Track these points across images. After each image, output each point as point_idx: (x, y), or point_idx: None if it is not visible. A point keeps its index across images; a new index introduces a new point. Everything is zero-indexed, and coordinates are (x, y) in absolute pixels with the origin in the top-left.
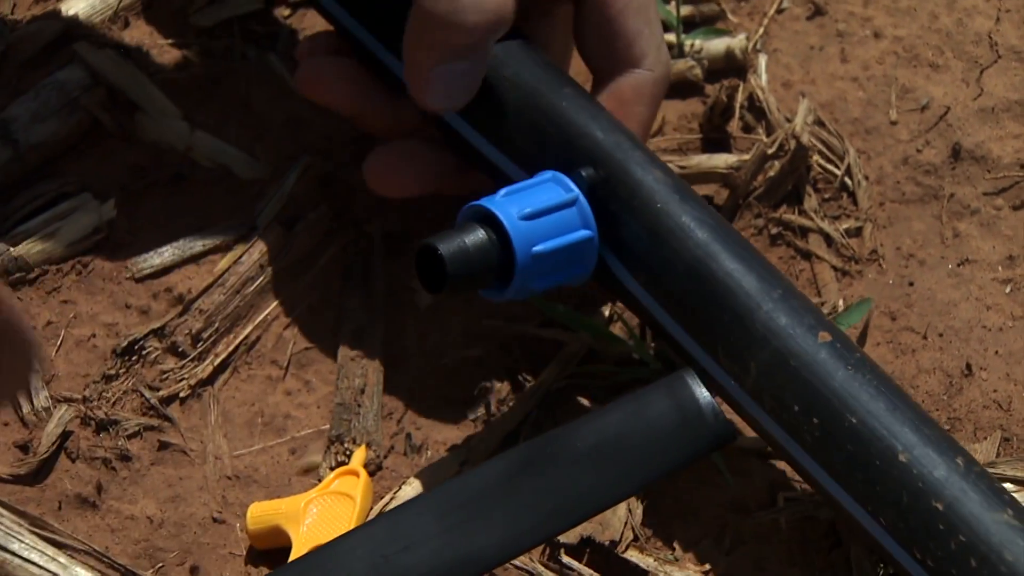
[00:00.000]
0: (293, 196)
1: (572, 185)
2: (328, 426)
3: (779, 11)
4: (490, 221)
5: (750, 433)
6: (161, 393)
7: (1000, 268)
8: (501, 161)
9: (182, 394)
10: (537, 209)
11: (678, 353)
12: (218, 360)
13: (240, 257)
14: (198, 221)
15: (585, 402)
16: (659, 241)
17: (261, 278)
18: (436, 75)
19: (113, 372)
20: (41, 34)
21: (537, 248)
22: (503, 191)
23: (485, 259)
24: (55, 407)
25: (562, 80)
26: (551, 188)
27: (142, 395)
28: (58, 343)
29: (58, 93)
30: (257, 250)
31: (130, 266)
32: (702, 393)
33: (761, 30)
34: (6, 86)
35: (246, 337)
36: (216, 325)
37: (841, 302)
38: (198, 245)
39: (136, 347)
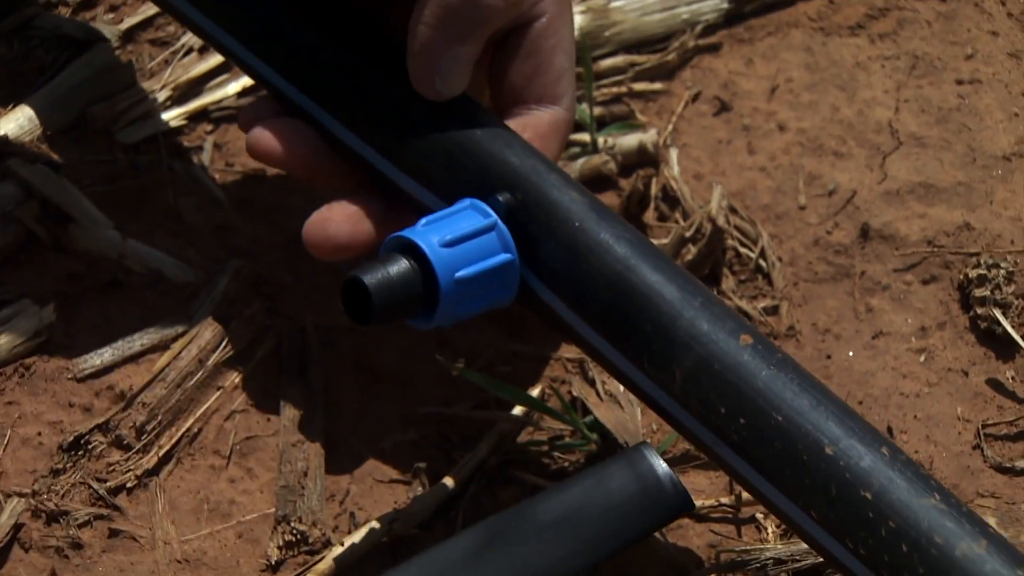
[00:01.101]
0: (226, 296)
1: (490, 211)
2: (272, 509)
3: (685, 108)
4: (412, 251)
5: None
6: (109, 484)
7: (913, 339)
8: (421, 194)
9: (129, 484)
10: (457, 236)
11: (605, 367)
12: (162, 451)
13: (179, 353)
14: (135, 322)
15: (523, 477)
16: (579, 258)
17: (200, 372)
18: (447, 60)
19: (60, 466)
20: None
21: (460, 274)
22: (423, 221)
23: (409, 288)
24: (5, 501)
25: (474, 108)
26: (470, 215)
27: (90, 487)
28: (4, 442)
29: None
30: (195, 346)
31: (71, 367)
32: (660, 465)
33: (670, 127)
34: None
35: (188, 429)
36: (159, 418)
37: None
38: (136, 344)
39: (82, 442)
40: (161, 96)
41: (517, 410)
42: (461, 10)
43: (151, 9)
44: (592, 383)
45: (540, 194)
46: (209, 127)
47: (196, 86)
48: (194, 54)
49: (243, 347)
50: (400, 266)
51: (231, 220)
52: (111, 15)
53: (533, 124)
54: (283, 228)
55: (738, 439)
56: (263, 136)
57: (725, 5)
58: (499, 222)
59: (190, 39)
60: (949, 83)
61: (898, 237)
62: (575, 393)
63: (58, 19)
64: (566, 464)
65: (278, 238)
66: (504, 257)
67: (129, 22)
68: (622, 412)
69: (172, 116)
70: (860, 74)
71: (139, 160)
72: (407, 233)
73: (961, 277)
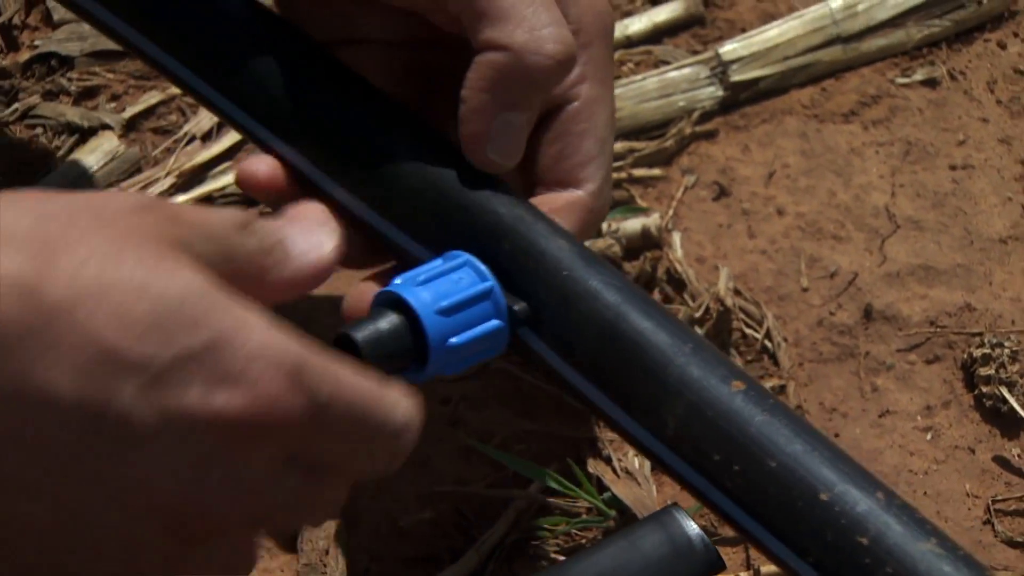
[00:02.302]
0: None
1: (486, 272)
2: None
3: (685, 193)
4: (404, 308)
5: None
6: None
7: (919, 418)
8: (406, 242)
9: None
10: (454, 303)
11: (597, 415)
12: None
13: None
14: None
15: (543, 551)
16: (568, 307)
17: None
18: (499, 125)
19: None
20: None
21: (452, 341)
22: (416, 275)
23: (400, 345)
24: None
25: (452, 153)
26: (467, 276)
27: None
28: None
29: None
30: None
31: None
32: (691, 526)
33: (671, 211)
34: None
35: None
36: None
37: None
38: None
39: None
40: (166, 183)
41: (532, 488)
42: (512, 72)
43: (153, 98)
44: (608, 460)
45: (528, 243)
46: None
47: (200, 173)
48: (197, 142)
49: None
50: (391, 322)
51: None
52: (113, 104)
53: (548, 202)
54: (286, 311)
55: (732, 486)
56: (248, 165)
57: (720, 93)
58: (496, 287)
59: (192, 127)
60: (943, 168)
61: (900, 318)
62: (591, 470)
63: (61, 108)
64: (583, 541)
65: (287, 312)
66: (496, 324)
67: (131, 111)
68: (639, 488)
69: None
70: (855, 160)
71: None
72: (402, 292)
73: (965, 356)
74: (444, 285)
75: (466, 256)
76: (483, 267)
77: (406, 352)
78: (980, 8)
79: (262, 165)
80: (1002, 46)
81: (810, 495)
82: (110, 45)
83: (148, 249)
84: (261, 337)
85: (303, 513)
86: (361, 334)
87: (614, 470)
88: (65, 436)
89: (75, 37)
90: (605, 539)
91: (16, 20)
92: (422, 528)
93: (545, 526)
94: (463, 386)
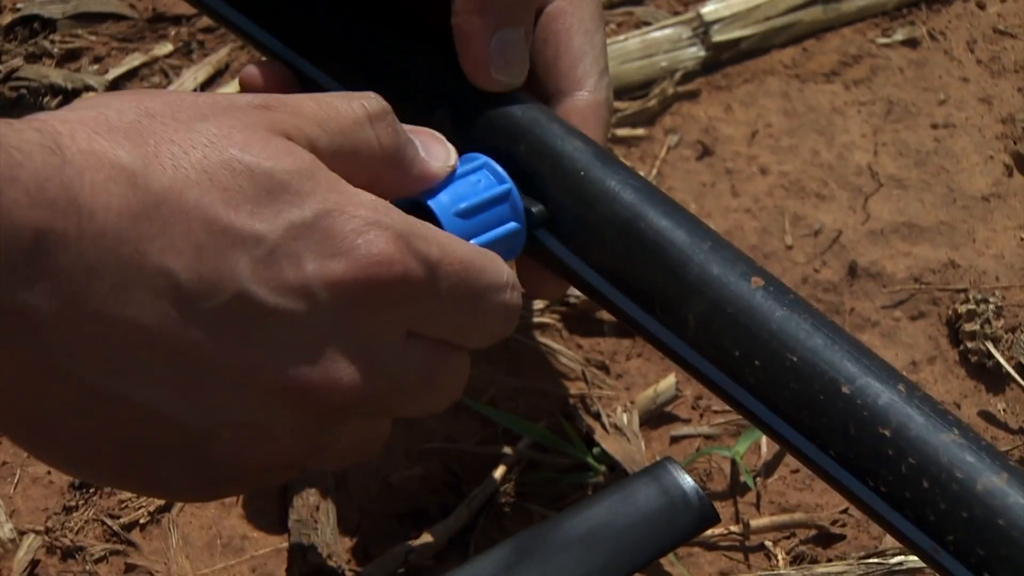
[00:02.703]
0: None
1: (503, 173)
2: (284, 544)
3: (668, 152)
4: (423, 211)
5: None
6: (122, 520)
7: (905, 373)
8: None
9: (142, 521)
10: (472, 205)
11: (616, 315)
12: None
13: None
14: None
15: (533, 507)
16: (586, 207)
17: None
18: (496, 44)
19: (73, 504)
20: None
21: (459, 206)
22: None
23: None
24: (21, 538)
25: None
26: (485, 179)
27: (104, 523)
28: (15, 481)
29: None
30: None
31: None
32: (686, 479)
33: (655, 171)
34: None
35: None
36: None
37: None
38: None
39: None
40: None
41: (521, 444)
42: None
43: (136, 60)
44: (597, 416)
45: (543, 144)
46: None
47: None
48: None
49: None
50: None
51: None
52: (96, 66)
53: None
54: None
55: (754, 382)
56: (250, 71)
57: (702, 53)
58: (513, 189)
59: (176, 88)
60: (924, 127)
61: (885, 275)
62: (579, 426)
63: (44, 69)
64: (573, 496)
65: None
66: (514, 226)
67: (114, 72)
68: (628, 444)
69: None
70: (837, 119)
71: None
72: (421, 194)
73: (949, 313)
74: (462, 187)
75: (484, 158)
76: (500, 169)
77: None
78: None
79: (257, 70)
80: (981, 6)
81: (832, 388)
82: (92, 8)
83: (258, 135)
84: (369, 208)
85: (428, 392)
86: None
87: (603, 426)
88: (184, 320)
89: (58, 0)
90: (599, 492)
91: None
92: (412, 485)
93: (535, 482)
94: None
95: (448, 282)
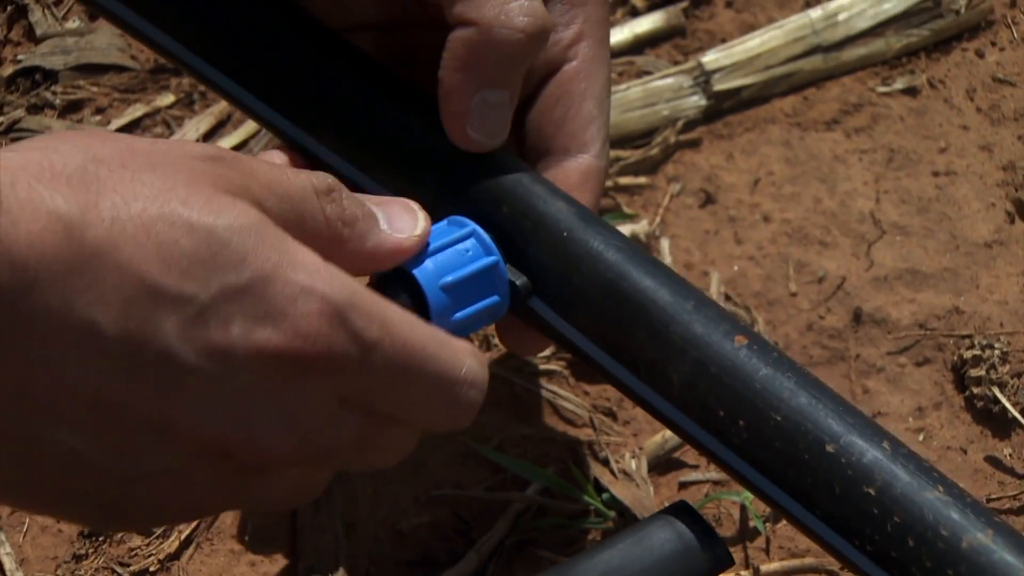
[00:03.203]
0: None
1: (467, 220)
2: None
3: (671, 200)
4: (407, 279)
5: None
6: (132, 568)
7: (911, 419)
8: None
9: (152, 568)
10: (458, 279)
11: (602, 376)
12: (183, 536)
13: None
14: None
15: (543, 553)
16: (570, 268)
17: None
18: (477, 104)
19: (83, 552)
20: None
21: (445, 280)
22: None
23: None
24: None
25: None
26: (447, 229)
27: (114, 571)
28: (24, 530)
29: None
30: None
31: None
32: (700, 522)
33: (658, 219)
34: None
35: (207, 516)
36: None
37: None
38: None
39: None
40: None
41: (530, 490)
42: (482, 48)
43: (138, 111)
44: (605, 462)
45: (526, 206)
46: None
47: None
48: None
49: None
50: (390, 290)
51: None
52: (98, 117)
53: (562, 177)
54: None
55: (739, 442)
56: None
57: (704, 102)
58: (477, 228)
59: (180, 138)
60: (926, 175)
61: (890, 321)
62: (588, 472)
63: (46, 120)
64: (582, 543)
65: None
66: (495, 300)
67: (116, 123)
68: (637, 489)
69: None
70: (839, 167)
71: None
72: (406, 263)
73: (955, 358)
74: (450, 257)
75: (473, 226)
76: (488, 239)
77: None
78: (958, 18)
79: (276, 157)
80: (980, 55)
81: (816, 447)
82: (94, 59)
83: (202, 191)
84: (308, 275)
85: (369, 454)
86: None
87: (611, 471)
88: (107, 373)
89: (59, 51)
90: (613, 536)
91: None
92: (421, 531)
93: (544, 527)
94: None
95: (386, 363)
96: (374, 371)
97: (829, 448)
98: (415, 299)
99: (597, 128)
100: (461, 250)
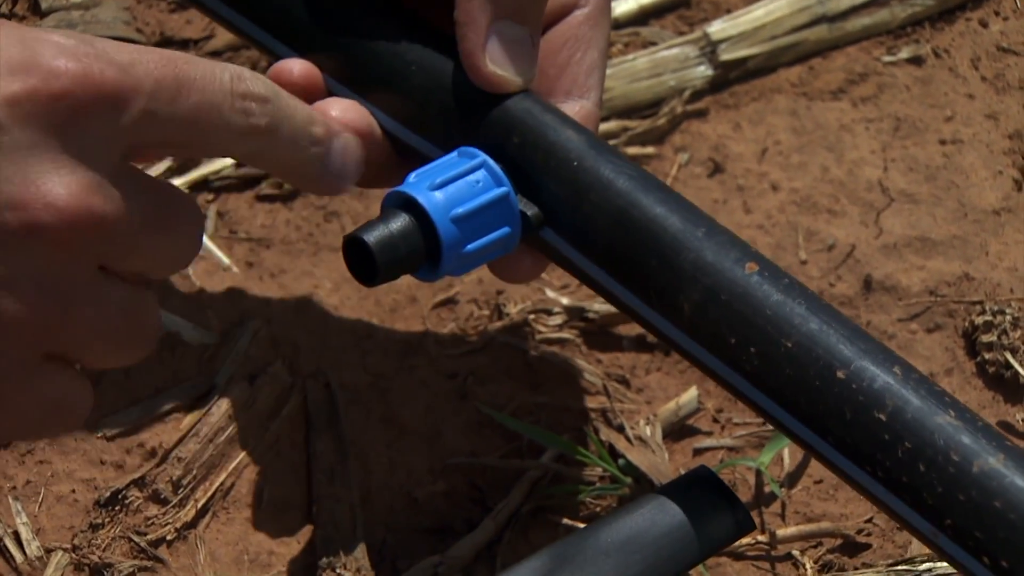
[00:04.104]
0: (248, 355)
1: (477, 151)
2: (311, 559)
3: (679, 170)
4: (417, 210)
5: None
6: (149, 537)
7: None
8: (420, 144)
9: (169, 537)
10: (469, 210)
11: (614, 304)
12: (199, 504)
13: (209, 409)
14: (158, 383)
15: (559, 520)
16: (581, 197)
17: (231, 428)
18: (494, 35)
19: (99, 521)
20: None
21: (456, 211)
22: (413, 174)
23: (412, 248)
24: (48, 555)
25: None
26: (458, 160)
27: (131, 540)
28: (39, 500)
29: None
30: (224, 402)
31: (100, 426)
32: (722, 486)
33: None
34: None
35: (222, 484)
36: (194, 472)
37: None
38: (163, 404)
39: (119, 497)
40: (162, 167)
41: (546, 458)
42: None
43: None
44: (620, 429)
45: (536, 136)
46: (210, 196)
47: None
48: None
49: (270, 404)
50: (403, 224)
51: (241, 284)
52: None
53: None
54: (291, 290)
55: (750, 368)
56: (283, 63)
57: (710, 72)
58: (488, 160)
59: None
60: (933, 143)
61: (900, 288)
62: (603, 438)
63: None
64: (598, 509)
65: (288, 300)
66: (499, 191)
67: None
68: (653, 455)
69: None
70: (846, 136)
71: None
72: (417, 195)
73: (966, 324)
74: (459, 188)
75: (483, 156)
76: (499, 169)
77: (418, 255)
78: None
79: (296, 64)
80: (984, 24)
81: (827, 373)
82: (100, 32)
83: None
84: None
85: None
86: (373, 236)
87: (627, 438)
88: None
89: (64, 24)
90: (634, 501)
91: (3, 9)
92: (437, 500)
93: (560, 495)
94: (471, 360)
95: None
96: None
97: (840, 374)
98: (426, 231)
99: (597, 77)
100: (471, 181)
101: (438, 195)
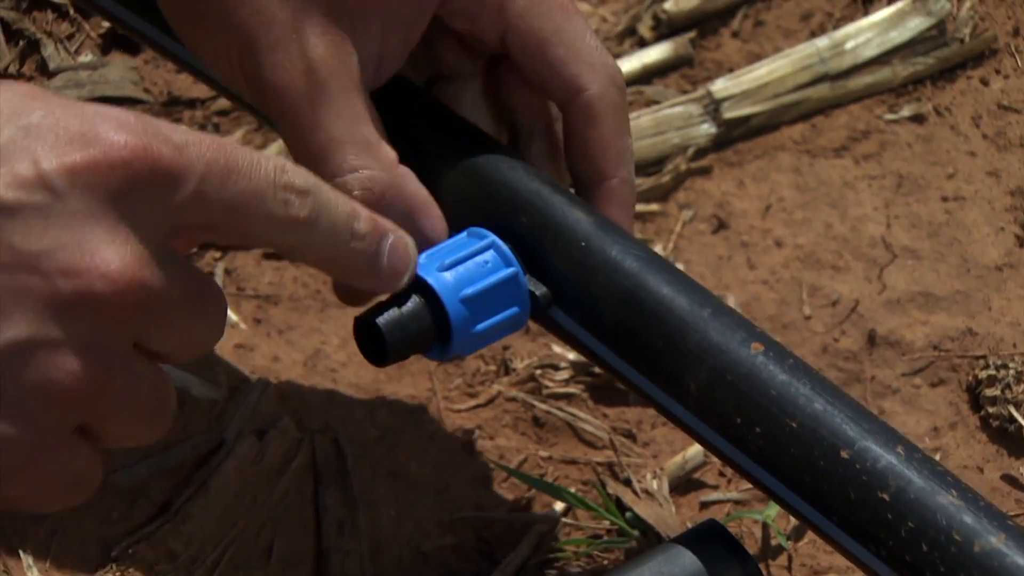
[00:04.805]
0: (256, 411)
1: (486, 232)
2: None
3: (684, 227)
4: (427, 291)
5: None
6: None
7: (927, 439)
8: None
9: None
10: (479, 291)
11: (621, 383)
12: (208, 559)
13: (219, 464)
14: (168, 438)
15: (567, 573)
16: (589, 277)
17: (239, 483)
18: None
19: (108, 575)
20: None
21: (465, 292)
22: (423, 255)
23: (422, 328)
24: None
25: (475, 134)
26: (467, 240)
27: None
28: (49, 555)
29: None
30: (233, 458)
31: (110, 481)
32: (730, 539)
33: (672, 245)
34: None
35: (231, 538)
36: (204, 527)
37: None
38: (173, 459)
39: (129, 552)
40: None
41: (553, 511)
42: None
43: None
44: (627, 482)
45: (545, 216)
46: (218, 254)
47: None
48: None
49: (278, 459)
50: (413, 306)
51: (249, 340)
52: None
53: (614, 198)
54: (299, 346)
55: (756, 448)
56: None
57: (713, 130)
58: (497, 240)
59: None
60: (935, 200)
61: (904, 343)
62: (610, 492)
63: None
64: (605, 562)
65: (297, 356)
66: (508, 271)
67: None
68: (660, 508)
69: None
70: (849, 193)
71: None
72: (427, 276)
73: (969, 379)
74: (469, 269)
75: (492, 237)
76: (508, 250)
77: (428, 335)
78: (963, 46)
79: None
80: (985, 82)
81: (831, 453)
82: (108, 92)
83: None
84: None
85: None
86: (383, 319)
87: (634, 491)
88: None
89: (72, 84)
90: (644, 554)
91: (11, 69)
92: (445, 553)
93: (568, 548)
94: (478, 415)
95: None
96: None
97: (844, 454)
98: (435, 311)
99: (630, 155)
100: (480, 262)
101: (447, 276)
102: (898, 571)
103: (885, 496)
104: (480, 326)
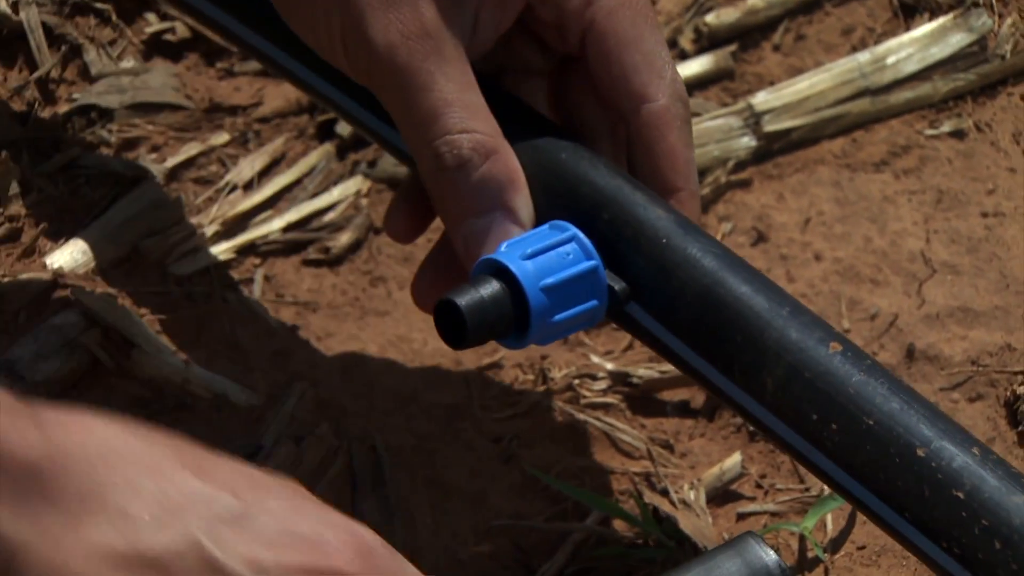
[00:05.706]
0: (294, 417)
1: (568, 225)
2: None
3: (723, 239)
4: (508, 278)
5: None
6: None
7: None
8: None
9: None
10: (559, 280)
11: (696, 380)
12: None
13: None
14: (205, 443)
15: None
16: (668, 274)
17: None
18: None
19: None
20: (30, 285)
21: (546, 281)
22: (504, 243)
23: (501, 314)
24: None
25: (555, 128)
26: (549, 232)
27: None
28: None
29: (57, 334)
30: (271, 465)
31: None
32: (769, 553)
33: None
34: (2, 332)
35: None
36: None
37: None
38: None
39: None
40: (209, 231)
41: (590, 520)
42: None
43: (193, 149)
44: (664, 493)
45: (626, 213)
46: (257, 260)
47: (242, 221)
48: (239, 191)
49: (315, 465)
50: (494, 291)
51: (287, 347)
52: (154, 155)
53: (684, 211)
54: (337, 353)
55: (831, 445)
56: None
57: (754, 143)
58: (579, 233)
59: (234, 177)
60: (975, 216)
61: (942, 358)
62: (647, 502)
63: (104, 157)
64: (642, 572)
65: (335, 363)
66: (588, 264)
67: (172, 161)
68: (698, 519)
69: (221, 250)
70: (888, 207)
71: (193, 291)
72: (509, 263)
73: (1008, 394)
74: (550, 260)
75: (574, 230)
76: (589, 244)
77: (507, 321)
78: (1004, 63)
79: (401, 222)
80: None
81: (907, 451)
82: (149, 98)
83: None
84: None
85: None
86: (464, 300)
87: (671, 502)
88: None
89: (114, 90)
90: (681, 565)
91: (53, 74)
92: (481, 561)
93: (604, 557)
94: (515, 424)
95: None
96: None
97: (920, 452)
98: (516, 298)
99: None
100: (562, 253)
101: (529, 264)
102: (970, 569)
103: (960, 494)
104: (558, 316)
